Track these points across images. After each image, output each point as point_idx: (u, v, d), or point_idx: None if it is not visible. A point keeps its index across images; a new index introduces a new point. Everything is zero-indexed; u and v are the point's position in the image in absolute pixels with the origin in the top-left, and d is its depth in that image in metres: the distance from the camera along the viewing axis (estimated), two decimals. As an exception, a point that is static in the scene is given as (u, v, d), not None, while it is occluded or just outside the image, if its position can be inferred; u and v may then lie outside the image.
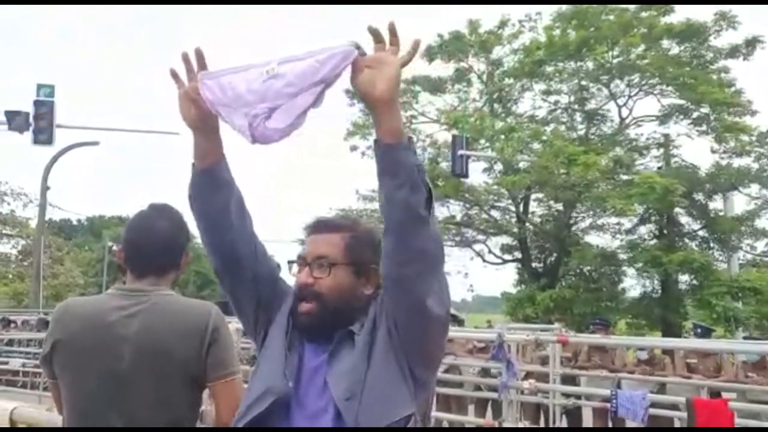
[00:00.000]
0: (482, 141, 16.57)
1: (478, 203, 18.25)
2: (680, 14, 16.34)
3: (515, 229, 18.20)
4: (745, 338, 10.13)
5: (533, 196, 18.38)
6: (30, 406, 2.35)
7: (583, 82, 17.69)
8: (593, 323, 7.69)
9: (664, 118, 17.34)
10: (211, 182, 1.34)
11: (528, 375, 5.36)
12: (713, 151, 16.66)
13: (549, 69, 17.66)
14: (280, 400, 1.23)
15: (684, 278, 16.25)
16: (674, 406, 4.85)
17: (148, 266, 1.65)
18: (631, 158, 16.55)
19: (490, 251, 19.44)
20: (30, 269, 20.77)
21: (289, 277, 1.41)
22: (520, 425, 4.72)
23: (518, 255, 18.90)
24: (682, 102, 16.72)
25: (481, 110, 18.68)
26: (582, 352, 6.61)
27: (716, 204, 17.00)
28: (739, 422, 3.95)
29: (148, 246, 1.66)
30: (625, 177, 15.99)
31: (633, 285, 17.46)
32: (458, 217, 19.08)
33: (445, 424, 6.75)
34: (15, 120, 11.96)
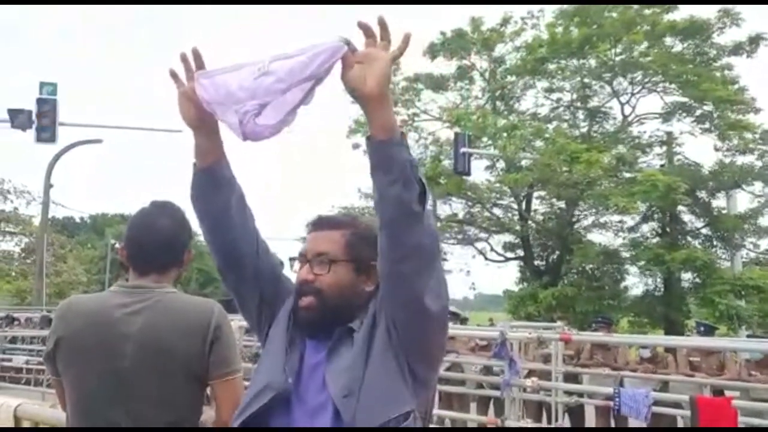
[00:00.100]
0: (484, 139, 16.54)
1: (480, 201, 18.24)
2: (683, 11, 16.31)
3: (517, 227, 18.18)
4: (748, 336, 10.11)
5: (535, 194, 18.36)
6: (34, 403, 2.36)
7: (586, 80, 17.64)
8: (596, 321, 7.68)
9: (667, 116, 17.29)
10: (212, 181, 1.35)
11: (530, 373, 5.36)
12: (716, 149, 16.61)
13: (551, 66, 17.62)
14: (280, 396, 1.23)
15: (687, 276, 16.21)
16: (677, 405, 4.84)
17: (151, 264, 1.65)
18: (633, 156, 16.50)
19: (492, 249, 19.44)
20: (33, 267, 20.83)
21: (292, 275, 1.41)
22: (523, 423, 4.72)
23: (520, 253, 18.88)
24: (685, 99, 16.66)
25: (483, 108, 18.65)
26: (584, 350, 6.61)
27: (719, 202, 16.95)
28: (742, 421, 3.94)
29: (150, 243, 1.66)
30: (627, 175, 15.95)
31: (635, 283, 17.45)
32: (460, 215, 19.06)
33: (448, 422, 6.75)
34: (18, 118, 11.98)
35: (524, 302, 16.26)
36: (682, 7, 16.24)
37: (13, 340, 10.42)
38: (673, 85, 16.79)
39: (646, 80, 17.10)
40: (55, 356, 1.61)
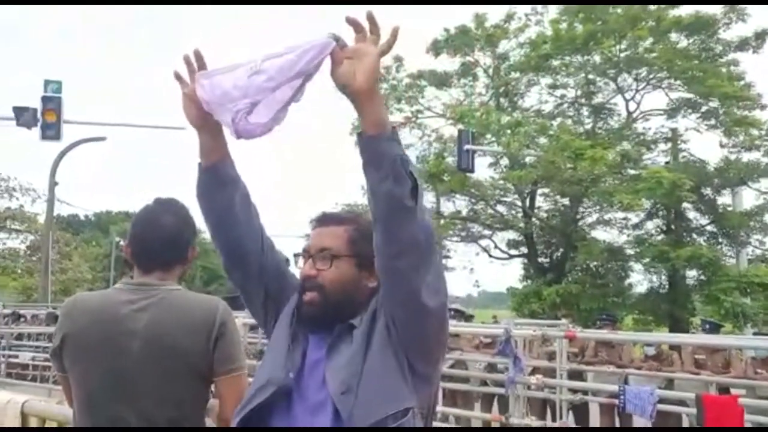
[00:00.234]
0: (488, 135, 16.48)
1: (484, 198, 18.19)
2: (688, 7, 16.20)
3: (521, 225, 18.13)
4: (754, 334, 10.07)
5: (539, 191, 18.29)
6: (41, 400, 2.37)
7: (590, 76, 17.55)
8: (600, 319, 7.67)
9: (672, 112, 17.19)
10: (216, 179, 1.38)
11: (534, 370, 5.36)
12: (722, 146, 16.50)
13: (555, 63, 17.53)
14: (280, 391, 1.24)
15: (692, 274, 16.12)
16: (682, 403, 4.83)
17: (155, 261, 1.65)
18: (638, 153, 16.41)
19: (496, 246, 19.39)
20: (39, 264, 20.94)
21: (297, 271, 1.42)
22: (527, 421, 4.72)
23: (524, 250, 18.83)
24: (690, 96, 16.56)
25: (487, 105, 18.59)
26: (589, 348, 6.60)
27: (725, 199, 16.84)
28: (748, 419, 3.93)
29: (154, 241, 1.66)
30: (632, 171, 15.86)
31: (640, 280, 17.37)
32: (464, 212, 19.01)
33: (452, 419, 6.76)
34: (23, 116, 12.01)
35: (528, 300, 16.22)
36: (683, 4, 16.16)
37: (20, 336, 10.47)
38: (678, 82, 16.68)
39: (651, 76, 16.99)
40: (62, 353, 1.61)
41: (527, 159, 16.39)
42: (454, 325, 6.19)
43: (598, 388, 5.53)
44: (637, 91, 17.53)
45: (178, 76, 1.33)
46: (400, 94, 19.21)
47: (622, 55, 16.74)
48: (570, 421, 5.48)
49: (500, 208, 18.76)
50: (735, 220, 15.69)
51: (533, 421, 4.79)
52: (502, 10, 18.69)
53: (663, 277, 16.61)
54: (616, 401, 4.49)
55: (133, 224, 1.73)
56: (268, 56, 1.20)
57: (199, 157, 1.39)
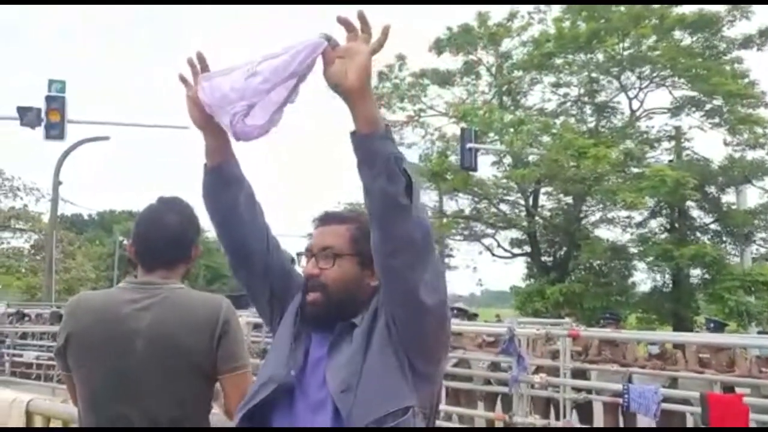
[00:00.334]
0: (491, 134, 16.45)
1: (487, 197, 18.16)
2: (692, 5, 16.14)
3: (524, 223, 18.10)
4: (759, 333, 10.04)
5: (543, 190, 18.26)
6: (45, 398, 2.37)
7: (594, 75, 17.51)
8: (604, 317, 7.66)
9: (675, 111, 17.14)
10: (221, 180, 1.40)
11: (538, 369, 5.35)
12: (726, 144, 16.45)
13: (558, 61, 17.49)
14: (281, 388, 1.24)
15: (696, 272, 16.09)
16: (686, 402, 4.81)
17: (158, 259, 1.66)
18: (642, 151, 16.37)
19: (499, 245, 19.37)
20: (42, 263, 21.00)
21: (301, 270, 1.43)
22: (531, 419, 4.71)
23: (527, 249, 18.81)
24: (694, 94, 16.51)
25: (490, 103, 18.56)
26: (592, 347, 6.58)
27: (729, 197, 16.80)
28: (753, 418, 3.91)
29: (158, 239, 1.66)
30: (635, 170, 15.83)
31: (643, 279, 17.34)
32: (467, 211, 19.00)
33: (455, 418, 6.76)
34: (27, 116, 12.04)
35: (531, 298, 16.20)
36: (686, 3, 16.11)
37: (24, 335, 10.50)
38: (681, 80, 16.63)
39: (655, 74, 16.94)
40: (66, 352, 1.62)
41: (530, 157, 16.36)
42: (457, 324, 6.18)
43: (601, 386, 5.51)
44: (640, 89, 17.48)
45: (182, 79, 1.35)
46: (402, 92, 19.19)
47: (626, 53, 16.69)
48: (574, 420, 5.47)
49: (503, 206, 18.74)
50: (739, 218, 15.64)
51: (537, 420, 4.79)
52: (505, 8, 18.69)
53: (667, 276, 16.58)
54: (620, 400, 4.48)
55: (136, 223, 1.73)
56: (266, 57, 1.21)
57: (204, 158, 1.41)
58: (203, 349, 1.57)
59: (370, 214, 1.19)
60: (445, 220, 18.49)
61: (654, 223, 17.35)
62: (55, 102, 12.12)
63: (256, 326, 6.69)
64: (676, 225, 16.45)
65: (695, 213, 17.07)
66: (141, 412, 1.54)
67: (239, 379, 1.59)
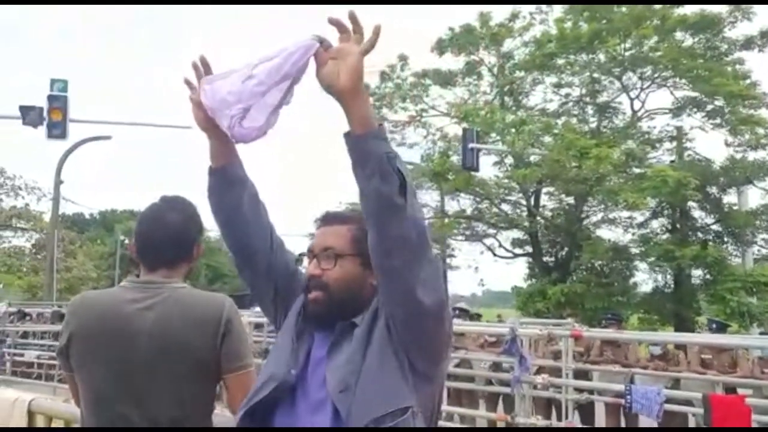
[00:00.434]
0: (493, 134, 16.44)
1: (488, 197, 18.14)
2: (694, 5, 16.12)
3: (526, 223, 18.08)
4: (761, 334, 10.02)
5: (544, 190, 18.24)
6: (47, 398, 2.37)
7: (595, 75, 17.48)
8: (606, 318, 7.65)
9: (677, 111, 17.11)
10: (225, 180, 1.43)
11: (540, 370, 5.34)
12: (727, 144, 16.42)
13: (560, 62, 17.48)
14: (282, 387, 1.25)
15: (697, 273, 16.06)
16: (689, 402, 4.80)
17: (160, 258, 1.65)
18: (643, 151, 16.35)
19: (500, 245, 19.35)
20: (44, 262, 21.02)
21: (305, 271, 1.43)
22: (533, 420, 4.70)
23: (529, 249, 18.79)
24: (695, 94, 16.48)
25: (491, 103, 18.55)
26: (594, 347, 6.57)
27: (730, 198, 16.77)
28: (755, 419, 3.90)
29: (159, 238, 1.66)
30: (637, 170, 15.81)
31: (645, 280, 17.31)
32: (468, 211, 18.98)
33: (456, 418, 6.75)
34: (29, 115, 12.05)
35: (533, 299, 16.18)
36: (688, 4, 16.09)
37: (25, 335, 10.51)
38: (683, 80, 16.61)
39: (656, 75, 16.92)
40: (68, 352, 1.61)
41: (532, 158, 16.35)
42: (458, 324, 6.18)
43: (604, 387, 5.50)
44: (642, 89, 17.46)
45: (187, 82, 1.38)
46: (404, 93, 19.19)
47: (627, 53, 16.67)
48: (575, 420, 5.46)
49: (505, 206, 18.72)
50: (741, 219, 15.62)
51: (539, 421, 4.78)
52: (507, 9, 18.68)
53: (668, 277, 16.55)
54: (622, 401, 4.47)
55: (139, 222, 1.73)
56: (262, 59, 1.23)
57: (209, 159, 1.44)
58: (207, 348, 1.57)
59: (366, 214, 1.20)
60: (446, 220, 18.48)
61: (655, 224, 17.34)
62: (57, 101, 12.12)
63: (258, 326, 6.69)
64: (678, 225, 16.42)
65: (697, 214, 17.05)
66: (143, 412, 1.54)
67: (243, 379, 1.58)
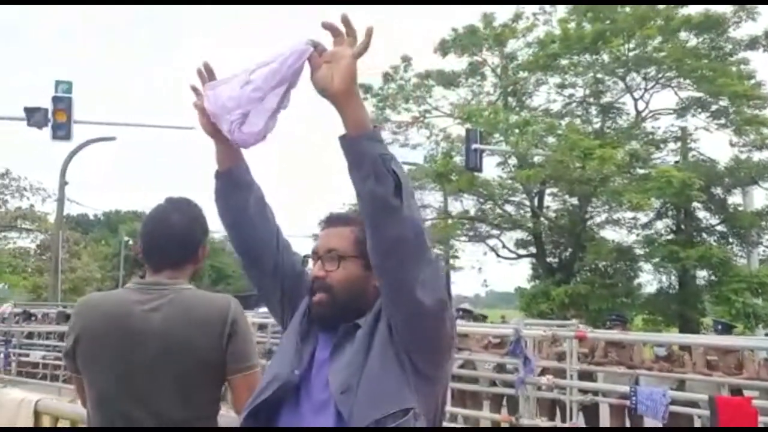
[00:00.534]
0: (496, 135, 16.42)
1: (492, 198, 18.11)
2: (698, 6, 16.06)
3: (530, 224, 18.04)
4: (766, 335, 9.97)
5: (548, 191, 18.20)
6: (54, 398, 2.38)
7: (599, 76, 17.43)
8: (610, 319, 7.62)
9: (681, 111, 17.05)
10: (231, 184, 1.45)
11: (544, 371, 5.32)
12: (732, 145, 16.34)
13: (564, 62, 17.44)
14: (285, 387, 1.25)
15: (702, 274, 15.99)
16: (694, 404, 4.78)
17: (164, 260, 1.66)
18: (647, 152, 16.29)
19: (504, 246, 19.30)
20: (48, 263, 21.09)
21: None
22: (537, 421, 4.69)
23: (533, 250, 18.74)
24: (700, 95, 16.41)
25: (495, 104, 18.52)
26: (599, 348, 6.55)
27: (735, 198, 16.68)
28: (762, 421, 3.88)
29: (164, 239, 1.67)
30: (641, 171, 15.75)
31: (649, 280, 17.25)
32: (472, 212, 18.95)
33: (460, 419, 6.74)
34: (34, 116, 12.10)
35: (536, 300, 16.14)
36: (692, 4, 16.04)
37: (30, 335, 10.55)
38: (687, 81, 16.54)
39: (660, 76, 16.86)
40: (75, 353, 1.62)
41: (535, 158, 16.32)
42: (462, 325, 6.17)
43: (608, 388, 5.48)
44: (646, 90, 17.41)
45: (193, 89, 1.40)
46: (407, 93, 19.18)
47: (631, 54, 16.62)
48: (580, 422, 5.44)
49: (508, 207, 18.69)
50: (746, 219, 15.54)
51: (543, 422, 4.76)
52: (510, 9, 18.65)
53: (673, 278, 16.49)
54: (627, 402, 4.45)
55: (144, 223, 1.74)
56: (259, 65, 1.25)
57: (215, 163, 1.47)
58: (213, 349, 1.57)
59: (363, 216, 1.20)
60: (450, 221, 18.46)
61: (660, 225, 17.26)
62: (62, 103, 12.17)
63: (261, 327, 6.70)
64: (682, 226, 16.36)
65: (701, 214, 16.98)
66: (150, 413, 1.54)
67: (249, 379, 1.58)
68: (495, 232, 19.21)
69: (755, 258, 16.02)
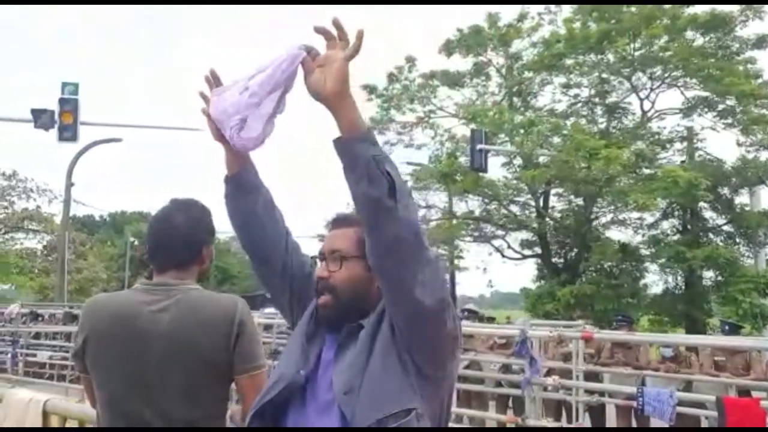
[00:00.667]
0: (501, 135, 16.39)
1: (497, 198, 18.08)
2: (705, 5, 15.99)
3: (535, 225, 17.99)
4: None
5: (553, 191, 18.15)
6: (62, 398, 2.39)
7: (604, 75, 17.38)
8: (616, 320, 7.59)
9: (687, 111, 16.97)
10: (239, 188, 1.48)
11: (550, 371, 5.31)
12: (739, 144, 16.27)
13: (569, 62, 17.39)
14: (290, 387, 1.26)
15: (709, 274, 15.91)
16: (701, 405, 4.75)
17: (169, 260, 1.67)
18: (653, 152, 16.23)
19: (509, 246, 19.27)
20: (55, 264, 21.18)
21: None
22: (544, 422, 4.68)
23: (538, 250, 18.70)
24: (706, 94, 16.34)
25: (500, 104, 18.49)
26: (605, 349, 6.53)
27: (742, 198, 16.61)
28: (770, 421, 3.85)
29: (167, 240, 1.68)
30: (647, 171, 15.69)
31: (655, 281, 17.18)
32: (477, 212, 18.93)
33: (466, 420, 6.73)
34: (41, 118, 12.17)
35: (542, 300, 16.10)
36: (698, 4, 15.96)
37: (37, 335, 10.61)
38: (694, 80, 16.47)
39: (666, 75, 16.79)
40: (84, 354, 1.63)
41: (541, 158, 16.28)
42: (468, 326, 6.16)
43: (615, 389, 5.46)
44: (651, 89, 17.34)
45: (202, 96, 1.43)
46: (412, 94, 19.17)
47: (637, 53, 16.56)
48: (586, 423, 5.42)
49: (513, 208, 18.65)
50: (753, 219, 15.45)
51: (549, 423, 4.75)
52: (515, 9, 18.61)
53: (679, 278, 16.41)
54: (634, 403, 4.43)
55: (149, 224, 1.76)
56: (259, 69, 1.28)
57: (224, 168, 1.50)
58: (220, 349, 1.57)
59: (360, 218, 1.21)
60: (455, 222, 18.44)
61: (666, 225, 17.19)
62: (68, 104, 12.24)
63: (267, 327, 6.71)
64: (689, 226, 16.28)
65: (708, 214, 16.90)
66: (158, 413, 1.55)
67: (256, 379, 1.59)
68: (500, 232, 19.17)
69: (762, 258, 15.91)
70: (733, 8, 15.66)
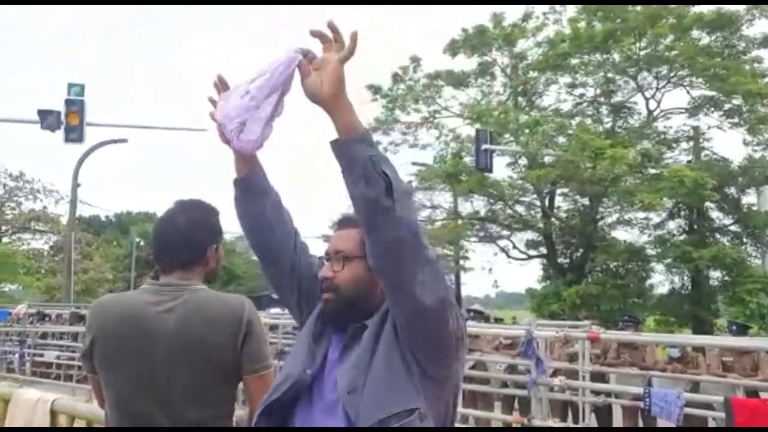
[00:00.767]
0: (506, 135, 16.36)
1: (502, 198, 18.05)
2: (711, 4, 15.91)
3: (540, 225, 17.95)
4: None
5: (559, 191, 18.10)
6: (69, 398, 2.40)
7: (610, 75, 17.33)
8: (623, 320, 7.56)
9: (693, 110, 16.89)
10: (248, 190, 1.49)
11: (556, 372, 5.29)
12: (746, 144, 16.19)
13: (574, 61, 17.35)
14: (296, 386, 1.27)
15: (715, 274, 15.83)
16: (708, 406, 4.72)
17: (173, 261, 1.68)
18: (659, 151, 16.17)
19: (514, 247, 19.23)
20: (61, 264, 21.30)
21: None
22: (550, 423, 4.66)
23: (543, 251, 18.65)
24: (712, 93, 16.26)
25: (505, 104, 18.46)
26: (611, 349, 6.51)
27: (749, 198, 16.52)
28: (778, 422, 3.82)
29: (171, 240, 1.69)
30: (653, 171, 15.63)
31: (661, 281, 17.11)
32: (482, 213, 18.89)
33: (471, 420, 6.71)
34: (47, 119, 12.24)
35: (547, 300, 16.06)
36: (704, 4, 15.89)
37: (44, 335, 10.65)
38: (700, 79, 16.39)
39: (672, 74, 16.72)
40: (92, 354, 1.64)
41: (546, 158, 16.23)
42: (473, 326, 6.15)
43: (621, 390, 5.44)
44: (657, 89, 17.27)
45: (211, 101, 1.44)
46: (417, 94, 19.17)
47: (642, 53, 16.50)
48: (592, 423, 5.40)
49: (519, 208, 18.60)
50: (760, 219, 15.37)
51: (556, 423, 4.73)
52: (520, 9, 18.60)
53: (685, 278, 16.33)
54: (640, 404, 4.41)
55: (154, 225, 1.78)
56: (260, 73, 1.31)
57: (233, 171, 1.51)
58: (228, 349, 1.58)
59: (359, 219, 1.22)
60: (460, 222, 18.41)
61: (672, 225, 17.11)
62: (74, 105, 12.30)
63: (273, 327, 6.72)
64: (695, 226, 16.20)
65: (714, 214, 16.81)
66: (165, 413, 1.55)
67: (265, 379, 1.60)
68: (505, 232, 19.14)
69: (770, 258, 15.82)
70: (740, 7, 15.58)
